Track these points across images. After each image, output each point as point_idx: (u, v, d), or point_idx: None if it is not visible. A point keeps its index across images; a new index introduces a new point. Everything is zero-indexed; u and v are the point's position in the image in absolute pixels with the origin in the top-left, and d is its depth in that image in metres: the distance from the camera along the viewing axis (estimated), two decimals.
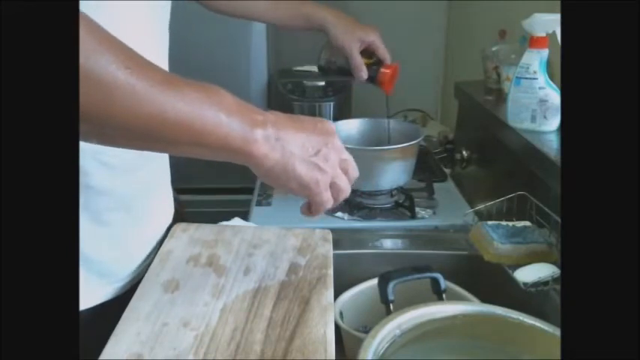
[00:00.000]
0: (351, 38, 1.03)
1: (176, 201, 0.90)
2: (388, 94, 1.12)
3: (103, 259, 0.73)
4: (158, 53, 0.75)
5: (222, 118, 0.54)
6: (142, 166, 0.74)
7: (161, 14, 0.74)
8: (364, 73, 1.05)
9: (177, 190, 0.90)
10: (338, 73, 1.12)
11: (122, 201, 0.72)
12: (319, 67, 1.14)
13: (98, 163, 0.68)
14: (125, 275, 0.76)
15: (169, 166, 0.85)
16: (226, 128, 0.54)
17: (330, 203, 0.62)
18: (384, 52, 1.06)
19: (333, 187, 0.62)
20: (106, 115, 0.48)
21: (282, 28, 1.11)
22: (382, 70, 1.07)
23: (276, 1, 1.03)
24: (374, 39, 1.05)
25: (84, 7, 0.48)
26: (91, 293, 0.72)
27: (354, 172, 0.64)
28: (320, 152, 0.60)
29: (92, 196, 0.69)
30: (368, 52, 1.06)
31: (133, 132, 0.52)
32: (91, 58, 0.46)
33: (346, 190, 0.63)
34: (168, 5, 0.76)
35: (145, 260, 0.78)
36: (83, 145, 0.55)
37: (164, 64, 0.77)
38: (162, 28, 0.76)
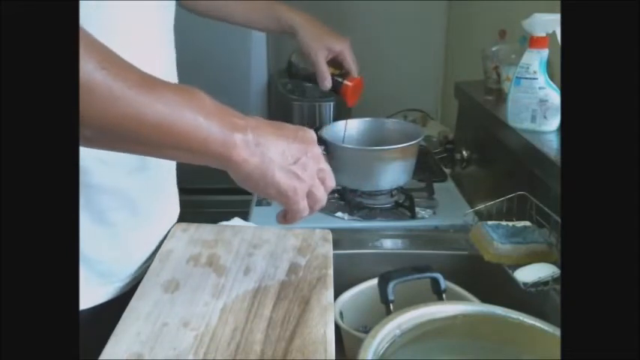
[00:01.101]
0: (319, 45, 1.00)
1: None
2: (350, 106, 1.10)
3: (105, 259, 0.73)
4: (163, 53, 0.75)
5: (201, 121, 0.54)
6: (147, 165, 0.74)
7: (165, 14, 0.74)
8: (328, 83, 1.03)
9: (180, 191, 0.89)
10: (304, 79, 1.11)
11: (127, 201, 0.72)
12: (287, 69, 1.12)
13: (99, 162, 0.68)
14: (127, 275, 0.76)
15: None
16: (205, 131, 0.54)
17: (305, 212, 0.63)
18: (350, 64, 1.04)
19: (310, 196, 0.62)
20: (83, 117, 0.48)
21: (257, 30, 1.09)
22: (345, 82, 1.05)
23: (251, 3, 1.01)
24: (342, 49, 1.02)
25: (82, 7, 0.48)
26: (92, 293, 0.72)
27: (331, 182, 0.64)
28: (299, 161, 0.60)
29: (94, 195, 0.69)
30: (336, 62, 1.04)
31: (111, 134, 0.51)
32: None
33: (322, 200, 0.63)
34: (172, 5, 0.76)
35: (146, 260, 0.78)
36: None
37: (171, 64, 0.77)
38: (167, 28, 0.76)
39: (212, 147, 0.55)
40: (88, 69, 0.47)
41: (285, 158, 0.59)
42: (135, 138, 0.53)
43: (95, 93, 0.48)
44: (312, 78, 1.06)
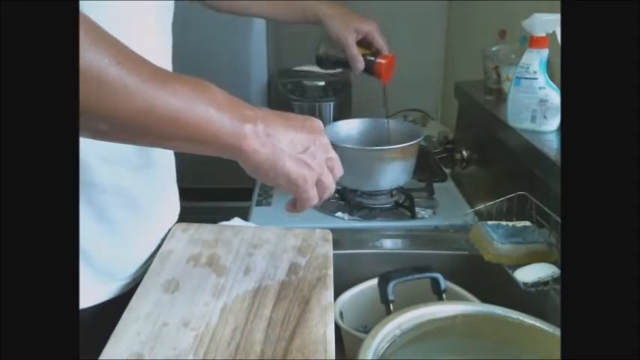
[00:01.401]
0: (347, 29, 1.03)
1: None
2: (385, 85, 1.11)
3: (106, 257, 0.73)
4: (162, 53, 0.75)
5: (213, 114, 0.54)
6: (148, 164, 0.74)
7: (165, 14, 0.75)
8: (360, 64, 1.05)
9: (180, 191, 0.89)
10: (335, 65, 1.13)
11: (128, 199, 0.72)
12: (317, 59, 1.13)
13: (102, 160, 0.68)
14: (128, 274, 0.76)
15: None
16: (217, 124, 0.55)
17: (315, 200, 0.63)
18: (380, 43, 1.06)
19: (319, 184, 0.63)
20: (97, 110, 0.49)
21: (282, 23, 1.11)
22: (378, 60, 1.06)
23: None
24: (370, 29, 1.04)
25: (84, 7, 0.48)
26: (93, 292, 0.72)
27: (339, 170, 0.65)
28: (308, 150, 0.61)
29: (96, 193, 0.69)
30: (365, 43, 1.06)
31: (124, 126, 0.52)
32: (82, 53, 0.46)
33: (331, 188, 0.64)
34: (172, 5, 0.76)
35: (147, 260, 0.78)
36: (87, 142, 0.55)
37: (168, 64, 0.78)
38: (166, 28, 0.76)
39: (223, 138, 0.55)
40: (104, 64, 0.48)
41: (294, 147, 0.60)
42: (148, 131, 0.53)
43: (110, 87, 0.49)
44: (343, 63, 1.07)
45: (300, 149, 0.60)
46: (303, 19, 1.04)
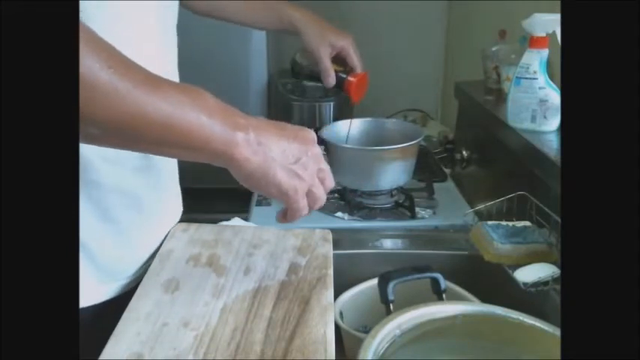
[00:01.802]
0: (322, 42, 1.01)
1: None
2: (354, 103, 1.10)
3: (109, 256, 0.73)
4: (164, 53, 0.75)
5: (204, 120, 0.54)
6: (151, 163, 0.74)
7: (166, 14, 0.74)
8: (332, 79, 1.04)
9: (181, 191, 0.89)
10: (308, 77, 1.11)
11: (132, 199, 0.72)
12: (291, 69, 1.12)
13: (104, 160, 0.68)
14: (130, 273, 0.76)
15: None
16: (208, 130, 0.55)
17: (305, 211, 0.63)
18: (354, 60, 1.04)
19: (310, 195, 0.63)
20: (88, 114, 0.49)
21: (259, 28, 1.09)
22: (348, 78, 1.05)
23: (253, 2, 1.02)
24: (344, 44, 1.02)
25: (84, 7, 0.48)
26: (95, 291, 0.72)
27: (330, 182, 0.65)
28: (300, 160, 0.61)
29: (99, 193, 0.69)
30: (340, 59, 1.04)
31: (115, 131, 0.52)
32: None
33: (322, 199, 0.64)
34: (175, 5, 0.76)
35: (149, 259, 0.78)
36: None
37: (172, 64, 0.77)
38: (167, 29, 0.76)
39: (214, 145, 0.55)
40: (95, 68, 0.48)
41: (286, 157, 0.60)
42: (139, 136, 0.53)
43: (101, 92, 0.49)
44: (316, 76, 1.06)
45: (292, 160, 0.60)
46: (281, 27, 1.02)
